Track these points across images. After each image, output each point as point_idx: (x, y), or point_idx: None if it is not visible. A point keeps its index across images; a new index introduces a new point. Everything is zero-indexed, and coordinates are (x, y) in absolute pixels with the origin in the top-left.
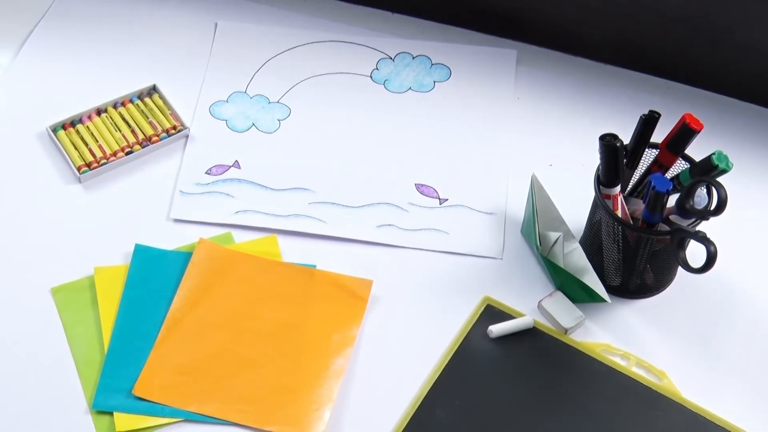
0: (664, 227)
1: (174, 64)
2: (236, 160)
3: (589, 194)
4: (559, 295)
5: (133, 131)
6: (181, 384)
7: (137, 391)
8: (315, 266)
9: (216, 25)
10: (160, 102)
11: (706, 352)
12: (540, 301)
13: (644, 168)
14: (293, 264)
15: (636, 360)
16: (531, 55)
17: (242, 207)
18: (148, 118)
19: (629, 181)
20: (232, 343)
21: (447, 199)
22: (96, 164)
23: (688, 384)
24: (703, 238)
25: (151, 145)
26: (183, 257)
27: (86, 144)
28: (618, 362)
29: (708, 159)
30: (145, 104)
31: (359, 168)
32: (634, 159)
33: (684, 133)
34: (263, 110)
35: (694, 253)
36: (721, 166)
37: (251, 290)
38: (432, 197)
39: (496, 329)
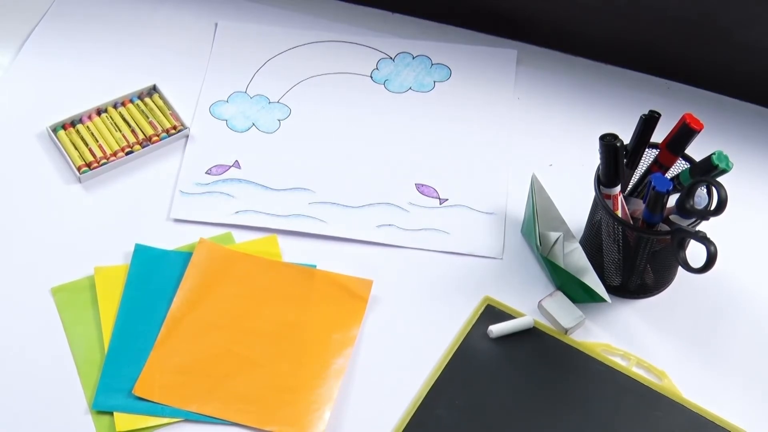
0: (664, 227)
1: (174, 64)
2: (236, 160)
3: (589, 194)
4: (560, 295)
5: (133, 131)
6: (182, 384)
7: (137, 391)
8: (315, 266)
9: (216, 25)
10: (160, 102)
11: (706, 352)
12: (540, 301)
13: (644, 168)
14: (293, 264)
15: (636, 360)
16: (531, 55)
17: (242, 207)
18: (148, 118)
19: (629, 181)
20: (232, 343)
21: (447, 199)
22: (96, 164)
23: (688, 384)
24: (703, 238)
25: (151, 145)
26: (183, 257)
27: (86, 144)
28: (618, 362)
29: (708, 159)
30: (145, 104)
31: (359, 168)
32: (634, 159)
33: (684, 133)
34: (263, 110)
35: (694, 253)
36: (721, 166)
37: (251, 290)
38: (432, 197)
39: (496, 329)
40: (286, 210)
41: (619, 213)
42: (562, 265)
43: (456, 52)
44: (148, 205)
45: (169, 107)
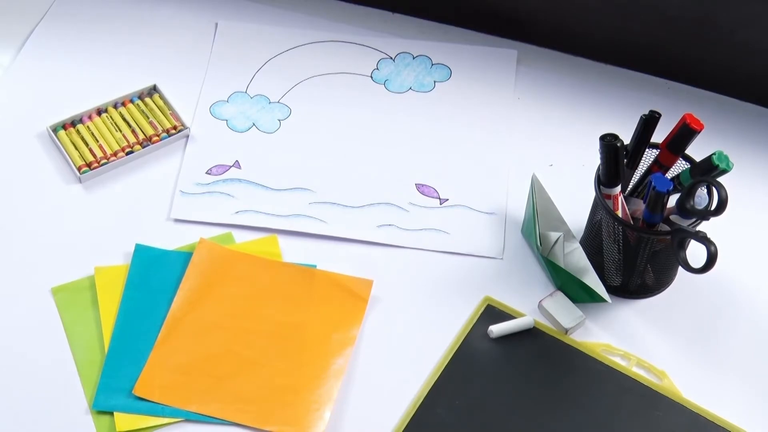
0: (665, 227)
1: (174, 64)
2: (236, 160)
3: (589, 194)
4: (560, 295)
5: (133, 131)
6: (182, 384)
7: (137, 391)
8: (315, 266)
9: (216, 25)
10: (160, 102)
11: (706, 352)
12: (540, 301)
13: (644, 168)
14: (293, 264)
15: (636, 360)
16: (531, 55)
17: (242, 207)
18: (148, 118)
19: (629, 181)
20: (232, 343)
21: (447, 199)
22: (96, 164)
23: (688, 384)
24: (703, 238)
25: (151, 145)
26: (183, 257)
27: (86, 144)
28: (618, 362)
29: (708, 159)
30: (146, 104)
31: (359, 168)
32: (635, 159)
33: (684, 133)
34: (263, 110)
35: (695, 253)
36: (722, 166)
37: (252, 290)
38: (432, 197)
39: (497, 329)
40: (286, 210)
41: (620, 213)
42: (563, 265)
43: (456, 52)
44: (148, 205)
45: (170, 107)
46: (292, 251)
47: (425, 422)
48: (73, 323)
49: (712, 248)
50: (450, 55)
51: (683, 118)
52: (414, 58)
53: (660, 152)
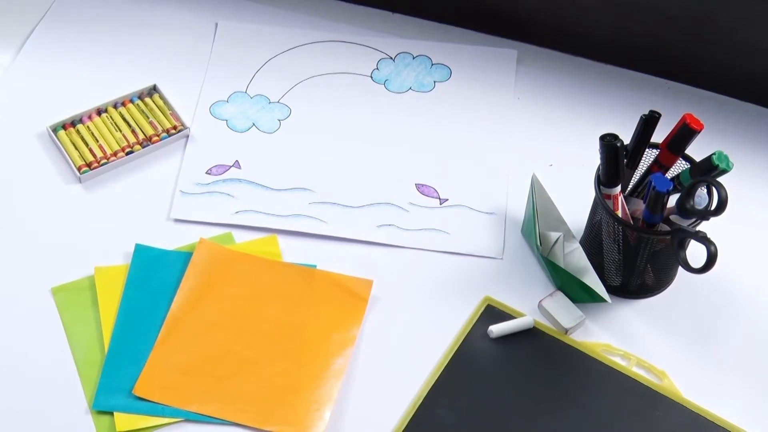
0: (665, 227)
1: (174, 64)
2: (236, 160)
3: (589, 194)
4: (560, 295)
5: (133, 131)
6: (182, 384)
7: (137, 391)
8: (315, 266)
9: (216, 25)
10: (160, 102)
11: (706, 352)
12: (540, 301)
13: (644, 168)
14: (293, 264)
15: (636, 360)
16: (531, 55)
17: (242, 207)
18: (148, 118)
19: (629, 181)
20: (232, 343)
21: (447, 199)
22: (96, 164)
23: (688, 384)
24: (703, 238)
25: (151, 145)
26: (183, 257)
27: (86, 144)
28: (618, 362)
29: (708, 159)
30: (146, 104)
31: (359, 168)
32: (635, 159)
33: (684, 133)
34: (263, 110)
35: (695, 253)
36: (722, 166)
37: (251, 290)
38: (432, 197)
39: (497, 329)
40: (286, 210)
41: (620, 213)
42: (562, 265)
43: (456, 52)
44: (148, 205)
45: (169, 107)
46: (292, 251)
47: (425, 422)
48: (73, 323)
49: (712, 248)
50: (450, 55)
51: (683, 118)
52: (414, 58)
53: (660, 152)
